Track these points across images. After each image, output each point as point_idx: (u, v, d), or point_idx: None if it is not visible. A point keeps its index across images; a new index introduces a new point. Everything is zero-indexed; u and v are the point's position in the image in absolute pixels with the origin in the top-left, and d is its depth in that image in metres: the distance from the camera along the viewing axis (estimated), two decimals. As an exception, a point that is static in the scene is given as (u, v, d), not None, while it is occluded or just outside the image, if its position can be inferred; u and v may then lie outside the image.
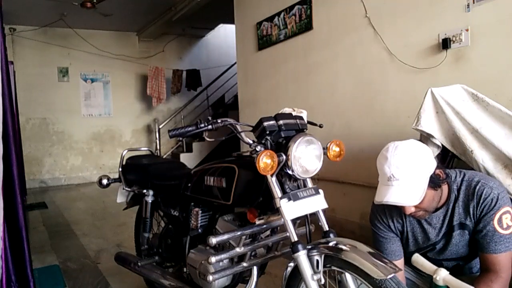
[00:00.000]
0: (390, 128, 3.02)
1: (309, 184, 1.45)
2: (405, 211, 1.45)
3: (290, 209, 1.33)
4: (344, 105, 3.48)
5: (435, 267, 1.47)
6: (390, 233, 1.63)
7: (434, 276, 1.45)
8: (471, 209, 1.48)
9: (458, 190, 1.52)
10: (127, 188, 2.25)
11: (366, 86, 3.26)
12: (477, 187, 1.47)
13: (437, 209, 1.53)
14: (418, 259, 1.56)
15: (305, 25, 3.82)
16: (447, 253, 1.61)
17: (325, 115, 3.58)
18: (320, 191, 1.44)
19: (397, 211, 1.58)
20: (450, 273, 1.46)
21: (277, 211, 1.37)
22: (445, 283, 1.43)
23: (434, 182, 1.43)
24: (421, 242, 1.62)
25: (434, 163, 1.43)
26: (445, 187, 1.51)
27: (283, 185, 1.39)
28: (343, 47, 3.45)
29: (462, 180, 1.52)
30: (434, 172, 1.42)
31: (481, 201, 1.45)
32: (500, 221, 1.43)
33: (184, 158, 7.29)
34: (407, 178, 1.38)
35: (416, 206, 1.43)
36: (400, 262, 1.62)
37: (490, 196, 1.44)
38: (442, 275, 1.43)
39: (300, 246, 1.30)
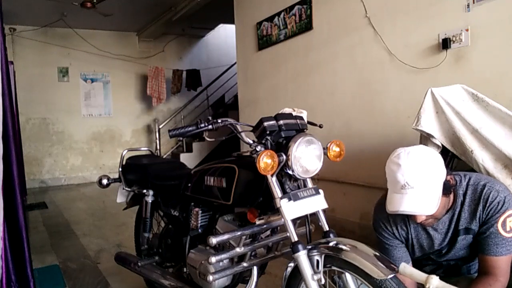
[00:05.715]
0: (390, 128, 3.02)
1: (309, 184, 1.45)
2: (416, 219, 1.42)
3: (290, 209, 1.33)
4: (344, 105, 3.48)
5: (425, 275, 1.41)
6: (395, 240, 1.61)
7: (427, 286, 1.38)
8: (477, 213, 1.46)
9: (464, 194, 1.49)
10: (127, 188, 2.26)
11: (366, 86, 3.26)
12: (484, 191, 1.45)
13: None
14: (406, 269, 1.49)
15: (305, 25, 3.82)
16: (449, 255, 1.60)
17: (325, 115, 3.58)
18: (320, 191, 1.44)
19: (401, 218, 1.55)
20: (448, 273, 1.44)
21: (277, 211, 1.37)
22: None
23: (446, 189, 1.40)
24: (427, 248, 1.60)
25: (445, 169, 1.40)
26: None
27: (283, 185, 1.39)
28: (343, 47, 3.45)
29: (467, 185, 1.49)
30: (446, 178, 1.40)
31: (487, 204, 1.43)
32: (504, 224, 1.41)
33: (184, 158, 7.28)
34: (422, 186, 1.33)
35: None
36: None
37: (497, 199, 1.42)
38: (435, 283, 1.36)
39: (300, 246, 1.30)
